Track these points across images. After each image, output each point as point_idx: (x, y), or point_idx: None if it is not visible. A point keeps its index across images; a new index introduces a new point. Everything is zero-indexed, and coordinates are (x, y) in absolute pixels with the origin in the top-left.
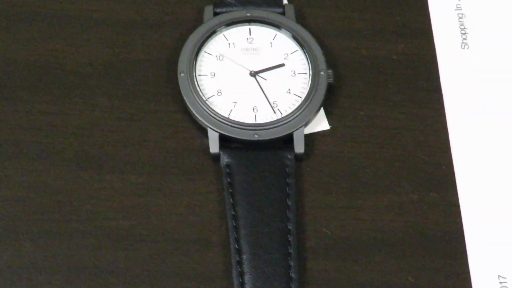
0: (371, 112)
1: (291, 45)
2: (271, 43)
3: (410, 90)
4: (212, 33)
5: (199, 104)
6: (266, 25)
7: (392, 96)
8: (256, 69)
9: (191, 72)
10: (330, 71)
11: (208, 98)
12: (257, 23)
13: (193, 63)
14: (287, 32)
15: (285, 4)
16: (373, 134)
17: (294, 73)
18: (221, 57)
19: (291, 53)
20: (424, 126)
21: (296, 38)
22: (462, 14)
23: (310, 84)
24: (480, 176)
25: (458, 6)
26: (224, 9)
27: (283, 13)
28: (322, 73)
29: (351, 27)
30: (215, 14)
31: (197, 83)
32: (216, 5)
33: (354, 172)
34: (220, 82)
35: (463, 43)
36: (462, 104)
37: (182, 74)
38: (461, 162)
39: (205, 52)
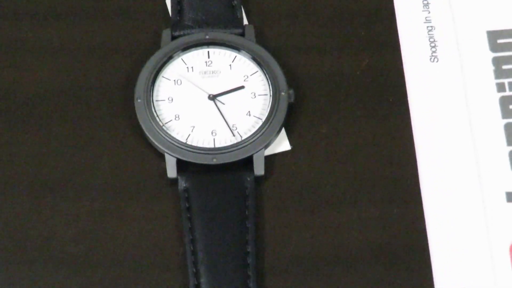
0: (333, 129)
1: (251, 67)
2: (230, 65)
3: (374, 104)
4: (169, 57)
5: (156, 130)
6: (225, 48)
7: (355, 111)
8: (215, 93)
9: (148, 97)
10: (291, 91)
11: (166, 123)
12: (216, 46)
13: (150, 88)
14: (247, 53)
15: (245, 25)
16: (335, 151)
17: (254, 95)
18: (179, 82)
19: (251, 75)
20: (389, 140)
21: (256, 59)
22: (431, 26)
23: (271, 106)
24: (446, 189)
25: (427, 18)
26: (182, 32)
27: (243, 34)
28: (283, 93)
29: (313, 43)
30: (173, 37)
31: (154, 109)
32: (174, 28)
33: (314, 190)
34: (178, 107)
35: (433, 56)
36: (429, 117)
37: (139, 100)
38: (427, 175)
39: (162, 77)
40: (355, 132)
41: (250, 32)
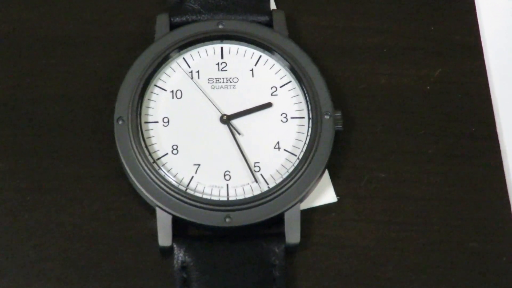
0: (395, 174)
1: (281, 74)
2: (252, 70)
3: (451, 137)
4: (166, 56)
5: (144, 169)
6: (246, 44)
7: (425, 147)
8: (229, 112)
9: (133, 118)
10: (338, 114)
11: (158, 158)
12: (232, 41)
13: (138, 104)
14: (277, 54)
15: (273, 10)
16: (398, 208)
17: (286, 117)
18: (178, 94)
19: (281, 87)
20: (475, 195)
21: (290, 65)
22: None
23: (310, 135)
24: None
25: None
26: (184, 19)
27: (270, 24)
28: (326, 117)
29: (365, 43)
30: (172, 27)
31: (143, 135)
32: (173, 13)
33: (370, 270)
34: (176, 133)
35: None
36: None
37: (120, 122)
38: None
39: (155, 86)
40: (426, 179)
41: (281, 22)
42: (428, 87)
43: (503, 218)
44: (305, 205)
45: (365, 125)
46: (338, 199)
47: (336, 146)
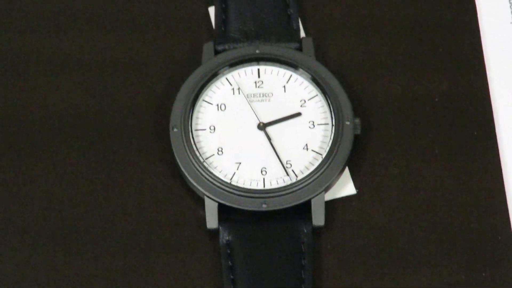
0: (407, 169)
1: (309, 89)
2: (284, 86)
3: (456, 139)
4: (212, 76)
5: (195, 166)
6: (279, 65)
7: (433, 147)
8: (265, 120)
9: (186, 126)
10: (357, 121)
11: (207, 158)
12: (268, 62)
13: (189, 115)
14: (305, 73)
15: (303, 37)
16: (409, 197)
17: (313, 124)
18: (223, 107)
19: (309, 99)
20: (474, 184)
21: (316, 80)
22: None
23: (333, 138)
24: None
25: None
26: (227, 46)
27: (300, 49)
28: (347, 123)
29: (382, 61)
30: (217, 52)
31: (193, 140)
32: (217, 41)
33: (385, 245)
34: (221, 138)
35: None
36: None
37: (175, 130)
38: None
39: (203, 100)
40: (434, 174)
41: (309, 47)
42: (437, 99)
43: (498, 204)
44: (329, 196)
45: (381, 130)
46: (357, 191)
47: (356, 147)
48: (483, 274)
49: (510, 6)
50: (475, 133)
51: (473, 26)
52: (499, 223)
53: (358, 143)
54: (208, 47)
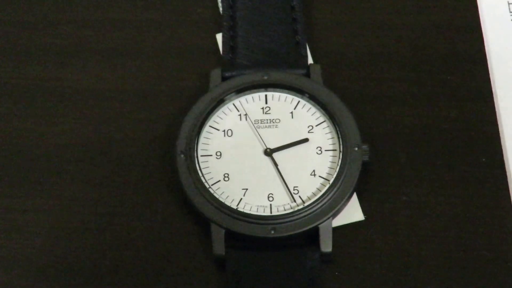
0: (416, 197)
1: (316, 115)
2: (292, 113)
3: (465, 166)
4: (219, 102)
5: (201, 192)
6: (287, 91)
7: (442, 175)
8: (272, 146)
9: (192, 152)
10: (365, 147)
11: (213, 184)
12: (275, 89)
13: (195, 140)
14: (312, 99)
15: (310, 64)
16: (419, 225)
17: (321, 150)
18: (229, 132)
19: (316, 125)
20: (485, 213)
21: (323, 106)
22: None
23: (340, 164)
24: None
25: None
26: (235, 73)
27: (308, 75)
28: (355, 149)
29: (391, 90)
30: (224, 78)
31: (199, 166)
32: (225, 68)
33: (394, 274)
34: (227, 164)
35: None
36: None
37: (182, 156)
38: None
39: (210, 126)
40: (443, 202)
41: (317, 73)
42: (445, 126)
43: (508, 231)
44: (337, 222)
45: (390, 157)
46: (365, 217)
47: (365, 174)
48: None
49: None
50: (484, 159)
51: (481, 54)
52: (508, 250)
53: (368, 170)
54: (215, 74)
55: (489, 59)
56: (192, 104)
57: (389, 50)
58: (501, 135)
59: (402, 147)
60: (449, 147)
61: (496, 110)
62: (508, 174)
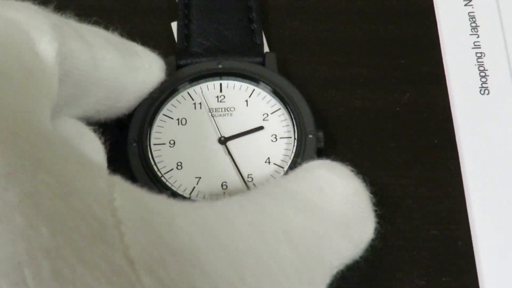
0: (370, 180)
1: (272, 103)
2: (247, 101)
3: (418, 148)
4: (173, 91)
5: (153, 180)
6: (242, 79)
7: (394, 158)
8: (227, 135)
9: (144, 141)
10: (320, 134)
11: (165, 173)
12: (230, 77)
13: (148, 129)
14: (267, 86)
15: (266, 52)
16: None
17: (276, 137)
18: (183, 121)
19: (271, 113)
20: (437, 194)
21: (278, 94)
22: (481, 53)
23: (295, 151)
24: (508, 250)
25: (476, 44)
26: (189, 61)
27: (263, 63)
28: (310, 136)
29: (344, 74)
30: (178, 67)
31: (152, 155)
32: (179, 56)
33: None
34: (181, 153)
35: (483, 87)
36: (483, 163)
37: (134, 144)
38: (483, 235)
39: (164, 115)
40: (395, 184)
41: (272, 61)
42: (398, 109)
43: (459, 211)
44: None
45: (343, 142)
46: None
47: (319, 159)
48: (443, 279)
49: (469, 19)
50: (436, 141)
51: (434, 38)
52: (459, 229)
53: (322, 155)
54: (169, 62)
55: (442, 43)
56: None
57: (341, 35)
58: (453, 117)
59: (355, 130)
60: (401, 129)
61: (449, 93)
62: (459, 155)
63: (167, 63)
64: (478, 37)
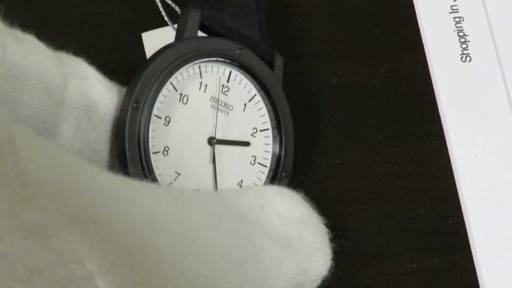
0: (349, 159)
1: (265, 119)
2: (245, 105)
3: (398, 123)
4: (186, 60)
5: (142, 157)
6: (251, 78)
7: (376, 135)
8: (218, 136)
9: (149, 105)
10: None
11: (153, 153)
12: (242, 70)
13: (156, 93)
14: (269, 99)
15: (276, 54)
16: (354, 186)
17: (254, 160)
18: (185, 99)
19: (260, 130)
20: (422, 170)
21: (276, 114)
22: (460, 17)
23: (268, 182)
24: (499, 228)
25: (453, 8)
26: (213, 23)
27: (272, 65)
28: (284, 174)
29: (316, 50)
30: (202, 26)
31: (146, 134)
32: (204, 16)
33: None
34: (170, 136)
35: (464, 54)
36: (469, 134)
37: (135, 105)
38: (474, 211)
39: (170, 83)
40: (378, 160)
41: (279, 66)
42: (375, 83)
43: (447, 188)
44: None
45: (321, 120)
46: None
47: (297, 139)
48: (436, 261)
49: None
50: (418, 114)
51: (409, 4)
52: (449, 207)
53: (300, 137)
54: (194, 17)
55: (417, 9)
56: (161, 51)
57: (312, 9)
58: (434, 87)
59: (332, 108)
60: (381, 104)
61: (428, 62)
62: (444, 127)
63: (192, 17)
64: (455, 0)
